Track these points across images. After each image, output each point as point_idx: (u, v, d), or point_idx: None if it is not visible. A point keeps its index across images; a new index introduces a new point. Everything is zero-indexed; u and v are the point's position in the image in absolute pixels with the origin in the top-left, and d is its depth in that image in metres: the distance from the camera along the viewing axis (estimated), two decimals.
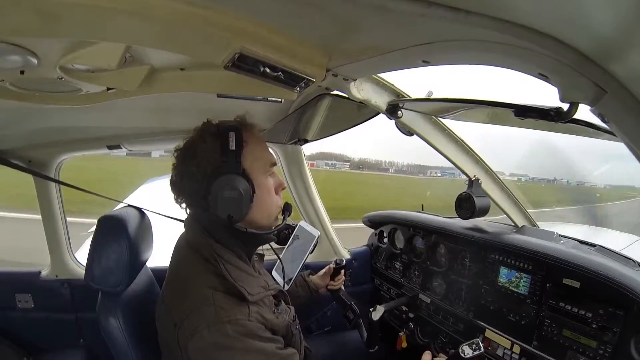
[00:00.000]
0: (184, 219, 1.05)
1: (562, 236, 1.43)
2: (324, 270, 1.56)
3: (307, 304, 1.50)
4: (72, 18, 0.61)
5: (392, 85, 1.12)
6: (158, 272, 1.35)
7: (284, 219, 1.08)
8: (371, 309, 1.48)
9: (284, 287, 1.23)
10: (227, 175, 0.91)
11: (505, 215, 1.57)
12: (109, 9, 0.59)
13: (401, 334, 1.69)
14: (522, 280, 1.27)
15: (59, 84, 0.92)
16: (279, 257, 1.29)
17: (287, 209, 1.09)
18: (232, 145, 0.92)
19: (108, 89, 1.01)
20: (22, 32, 0.65)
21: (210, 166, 0.92)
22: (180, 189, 0.98)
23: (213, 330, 0.81)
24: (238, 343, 0.82)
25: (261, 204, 0.97)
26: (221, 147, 0.93)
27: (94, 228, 1.13)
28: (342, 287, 1.59)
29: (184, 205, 1.01)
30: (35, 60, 0.77)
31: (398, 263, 1.94)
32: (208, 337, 0.81)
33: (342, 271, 1.55)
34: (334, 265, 1.53)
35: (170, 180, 1.00)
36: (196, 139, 0.97)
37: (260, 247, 1.14)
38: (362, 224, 2.28)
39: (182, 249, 1.01)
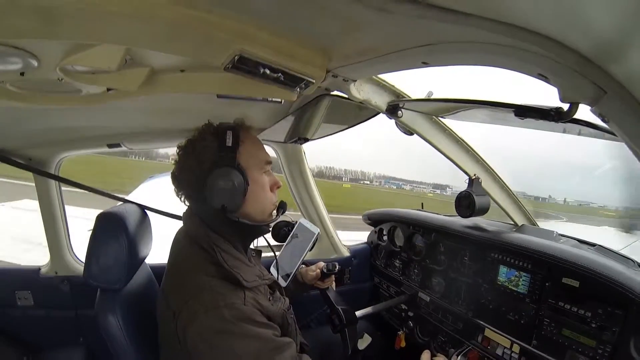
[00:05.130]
0: (181, 216, 1.09)
1: (562, 235, 1.43)
2: (313, 274, 1.49)
3: (296, 297, 1.45)
4: (72, 20, 0.61)
5: (392, 85, 1.12)
6: (157, 269, 1.35)
7: (277, 216, 1.13)
8: (359, 338, 1.43)
9: (278, 281, 1.25)
10: (223, 168, 0.97)
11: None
12: (109, 11, 0.59)
13: (400, 333, 1.69)
14: (521, 279, 1.28)
15: (59, 85, 0.92)
16: (274, 253, 1.29)
17: (282, 206, 1.13)
18: (229, 142, 0.99)
19: (108, 89, 1.01)
20: (23, 34, 0.65)
21: (208, 161, 0.99)
22: (180, 181, 1.04)
23: (210, 315, 0.84)
24: (235, 328, 0.84)
25: (255, 198, 1.03)
26: (219, 144, 1.00)
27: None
28: (332, 287, 1.55)
29: (183, 198, 1.07)
30: (35, 62, 0.77)
31: (397, 261, 1.95)
32: (206, 322, 0.84)
33: (332, 277, 1.51)
34: (324, 270, 1.46)
35: (172, 174, 1.06)
36: (197, 137, 1.04)
37: (258, 244, 1.17)
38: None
39: (181, 241, 1.06)
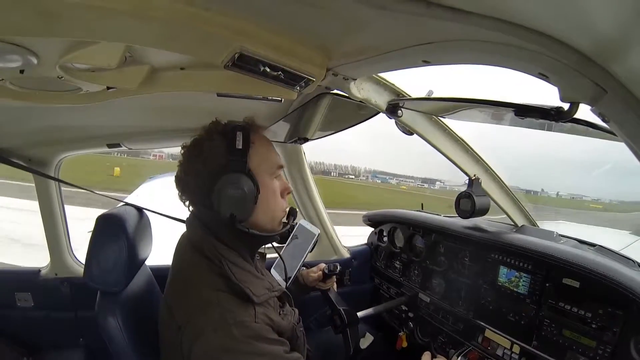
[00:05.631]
0: (184, 219, 1.05)
1: (562, 236, 1.43)
2: (315, 276, 1.48)
3: (296, 299, 1.45)
4: (72, 18, 0.61)
5: (393, 84, 1.11)
6: (158, 271, 1.34)
7: (288, 224, 1.06)
8: (362, 336, 1.44)
9: (281, 284, 1.22)
10: (232, 174, 0.90)
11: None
12: (109, 9, 0.59)
13: (401, 333, 1.69)
14: (521, 280, 1.27)
15: (58, 83, 0.92)
16: (280, 256, 1.28)
17: (292, 213, 1.07)
18: (239, 145, 0.92)
19: (108, 88, 1.00)
20: (23, 31, 0.65)
21: (216, 164, 0.91)
22: (184, 185, 0.97)
23: (219, 333, 0.79)
24: (245, 346, 0.79)
25: (265, 206, 0.96)
26: (228, 146, 0.92)
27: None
28: (334, 288, 1.54)
29: (187, 202, 1.00)
30: (35, 60, 0.77)
31: (398, 262, 1.94)
32: (213, 340, 0.79)
33: (334, 278, 1.51)
34: (326, 271, 1.46)
35: (176, 177, 0.99)
36: (204, 137, 0.97)
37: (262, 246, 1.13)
38: None
39: (184, 248, 1.00)
